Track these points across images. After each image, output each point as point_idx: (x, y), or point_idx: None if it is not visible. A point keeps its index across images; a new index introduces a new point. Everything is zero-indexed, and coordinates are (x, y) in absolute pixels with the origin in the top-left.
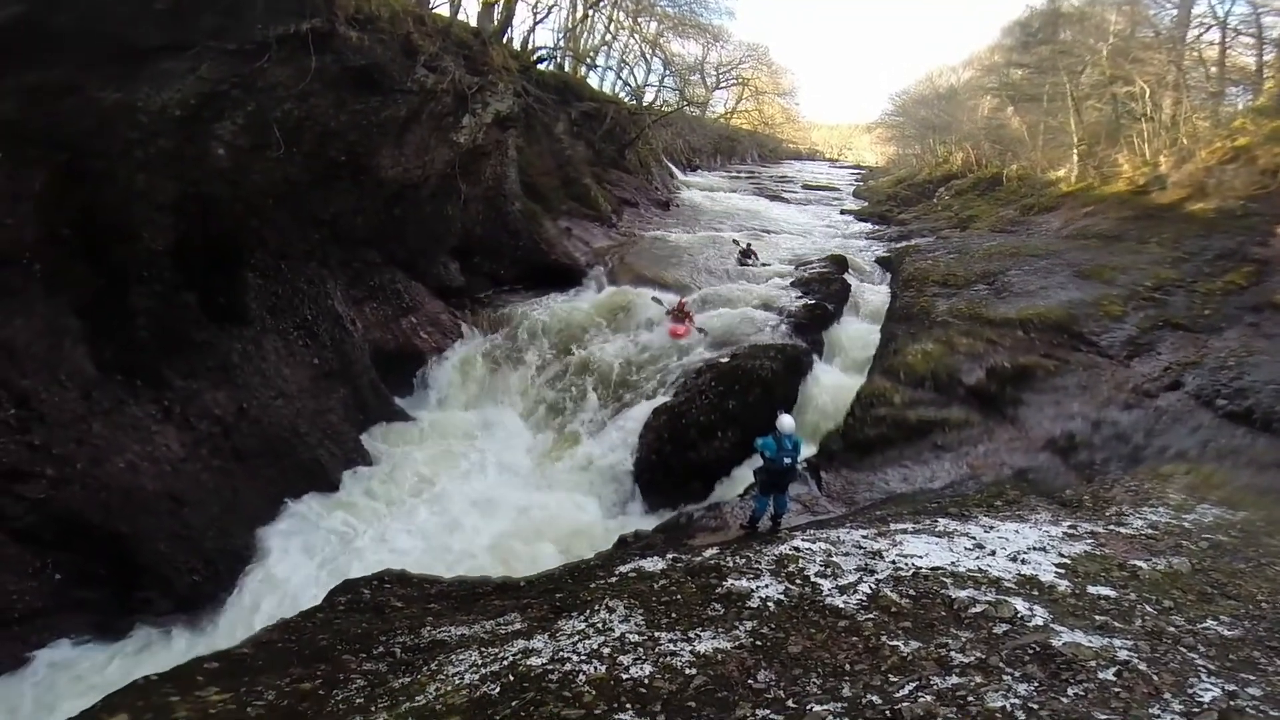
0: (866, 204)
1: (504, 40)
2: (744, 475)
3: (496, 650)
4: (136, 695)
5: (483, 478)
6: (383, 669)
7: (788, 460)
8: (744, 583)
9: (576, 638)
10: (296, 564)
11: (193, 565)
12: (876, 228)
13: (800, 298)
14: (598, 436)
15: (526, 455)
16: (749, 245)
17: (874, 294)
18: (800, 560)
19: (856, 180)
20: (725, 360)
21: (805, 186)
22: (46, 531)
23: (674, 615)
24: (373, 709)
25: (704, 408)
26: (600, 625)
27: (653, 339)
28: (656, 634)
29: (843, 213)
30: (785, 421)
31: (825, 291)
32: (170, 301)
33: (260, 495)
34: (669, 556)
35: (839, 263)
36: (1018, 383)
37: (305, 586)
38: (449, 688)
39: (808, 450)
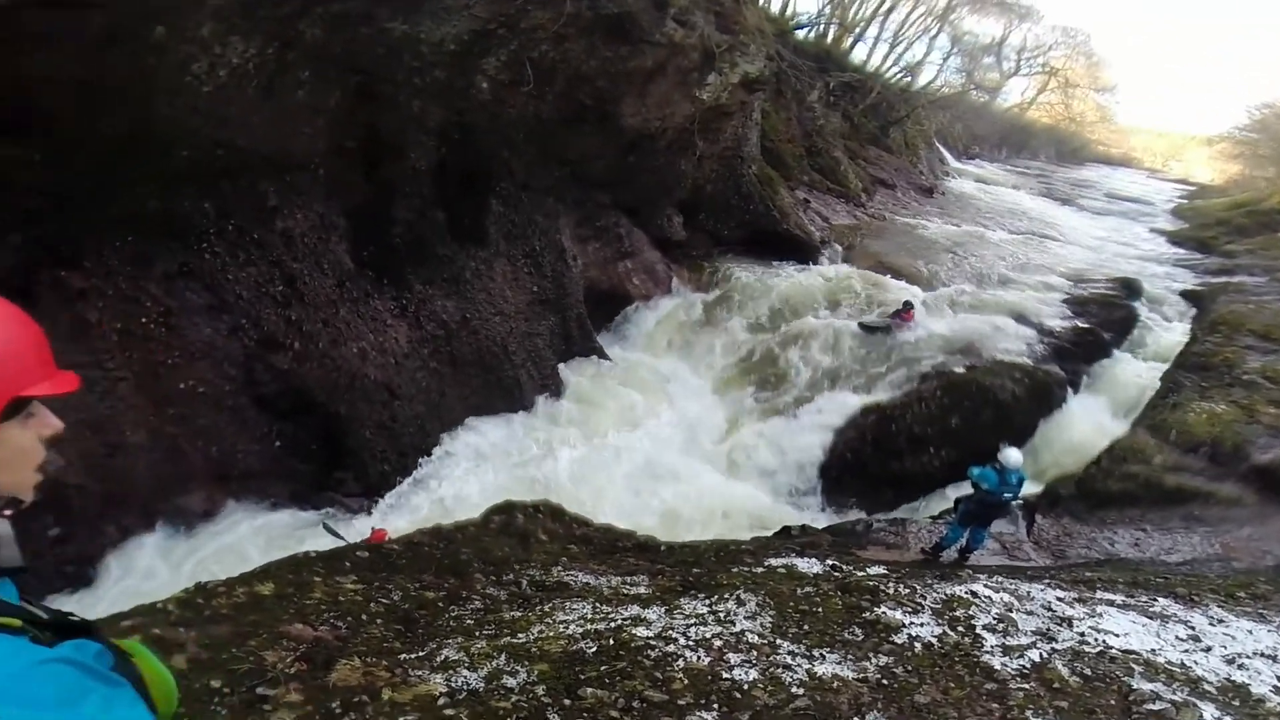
0: (1186, 226)
1: (759, 2)
2: (945, 497)
3: (609, 610)
4: (290, 568)
5: (661, 431)
6: (502, 597)
7: (1007, 495)
8: (898, 614)
9: (693, 621)
10: (471, 475)
11: (388, 455)
12: (1191, 255)
13: (1070, 318)
14: (791, 419)
15: (710, 419)
16: (908, 303)
17: (1166, 331)
18: (973, 606)
19: (1180, 197)
20: (960, 370)
21: (1109, 195)
22: (282, 401)
23: (806, 627)
24: (476, 635)
25: (921, 417)
26: (722, 615)
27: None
28: (779, 641)
29: (1151, 230)
30: (1012, 456)
31: (1104, 317)
32: (424, 215)
33: (461, 402)
34: (829, 562)
35: (1129, 287)
36: None
37: (470, 498)
38: (551, 634)
39: (1029, 488)
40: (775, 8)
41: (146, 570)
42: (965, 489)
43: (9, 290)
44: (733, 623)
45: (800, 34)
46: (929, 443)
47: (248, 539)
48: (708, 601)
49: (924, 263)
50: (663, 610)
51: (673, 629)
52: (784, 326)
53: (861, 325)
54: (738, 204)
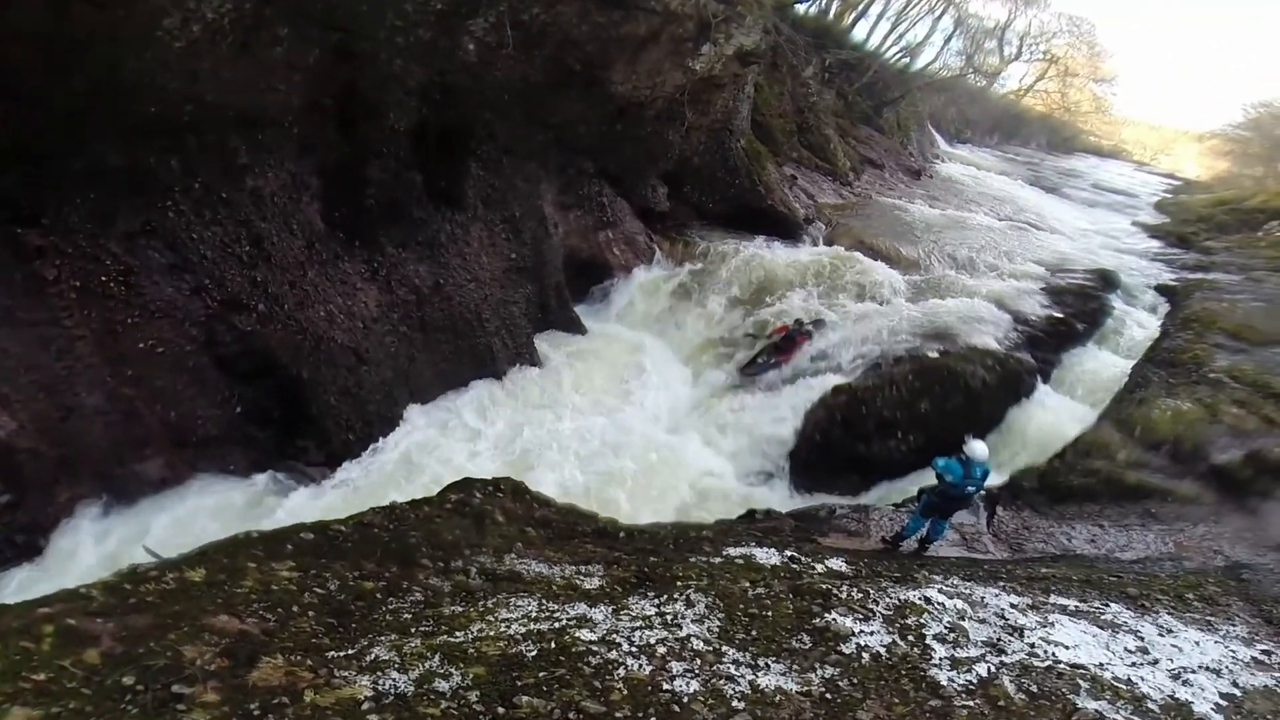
0: (1167, 220)
1: None
2: (909, 484)
3: (556, 608)
4: (225, 551)
5: (632, 405)
6: (446, 589)
7: (971, 489)
8: (848, 621)
9: (639, 624)
10: (434, 446)
11: (352, 423)
12: (1170, 250)
13: (1045, 307)
14: (762, 398)
15: (683, 395)
16: (799, 321)
17: (1138, 325)
18: (925, 614)
19: (1165, 191)
20: (933, 355)
21: (1095, 186)
22: (244, 363)
23: (754, 633)
24: (412, 631)
25: (891, 401)
26: (670, 618)
27: (857, 311)
28: (724, 648)
29: (1134, 224)
30: (978, 448)
31: (1078, 308)
32: (399, 177)
33: (431, 370)
34: (787, 553)
35: (1105, 279)
36: None
37: (430, 472)
38: (491, 633)
39: (993, 479)
40: None
41: (93, 544)
42: (929, 477)
43: None
44: (679, 626)
45: (800, 8)
46: (897, 427)
47: (202, 508)
48: (656, 602)
49: (904, 245)
50: (610, 610)
51: (617, 632)
52: (765, 304)
53: (743, 372)
54: (724, 177)
